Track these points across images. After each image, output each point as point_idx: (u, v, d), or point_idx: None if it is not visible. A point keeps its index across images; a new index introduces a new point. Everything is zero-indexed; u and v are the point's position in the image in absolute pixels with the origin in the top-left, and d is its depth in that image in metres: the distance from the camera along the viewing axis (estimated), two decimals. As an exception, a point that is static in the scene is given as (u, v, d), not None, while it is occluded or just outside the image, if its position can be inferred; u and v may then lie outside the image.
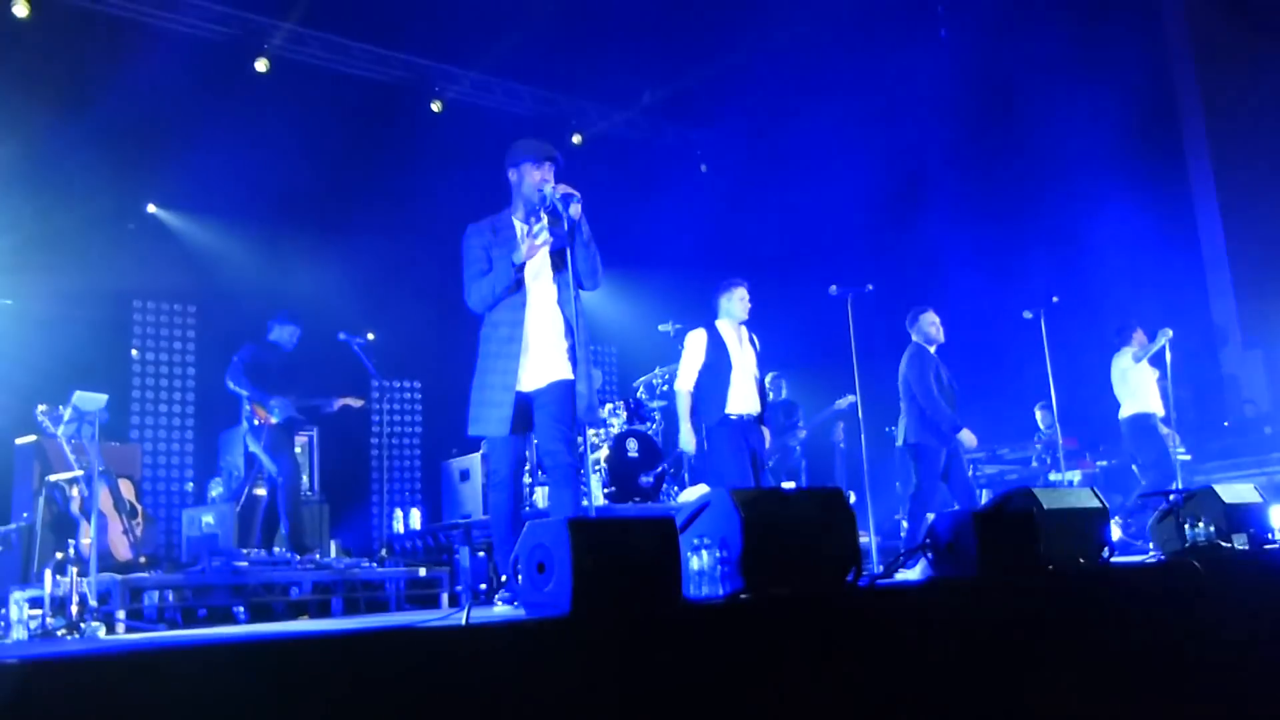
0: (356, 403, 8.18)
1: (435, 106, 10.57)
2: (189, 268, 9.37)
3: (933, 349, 7.27)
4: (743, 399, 6.28)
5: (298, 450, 8.45)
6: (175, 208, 9.58)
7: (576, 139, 11.52)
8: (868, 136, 10.94)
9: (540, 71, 10.99)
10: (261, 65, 9.47)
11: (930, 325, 7.28)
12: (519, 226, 4.47)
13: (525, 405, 4.33)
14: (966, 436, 7.04)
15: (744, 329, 6.49)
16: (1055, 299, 7.38)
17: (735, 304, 6.45)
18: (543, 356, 4.36)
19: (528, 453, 5.86)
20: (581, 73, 10.97)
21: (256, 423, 7.49)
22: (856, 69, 10.60)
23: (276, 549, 7.21)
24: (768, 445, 6.50)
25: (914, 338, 7.30)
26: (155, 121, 8.63)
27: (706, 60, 10.63)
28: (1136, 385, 8.09)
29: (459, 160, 9.43)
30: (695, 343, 6.39)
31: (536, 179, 4.39)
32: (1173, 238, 11.49)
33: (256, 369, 7.55)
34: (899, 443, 7.31)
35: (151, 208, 9.56)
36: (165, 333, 9.68)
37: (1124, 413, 8.21)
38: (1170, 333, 7.90)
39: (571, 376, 4.37)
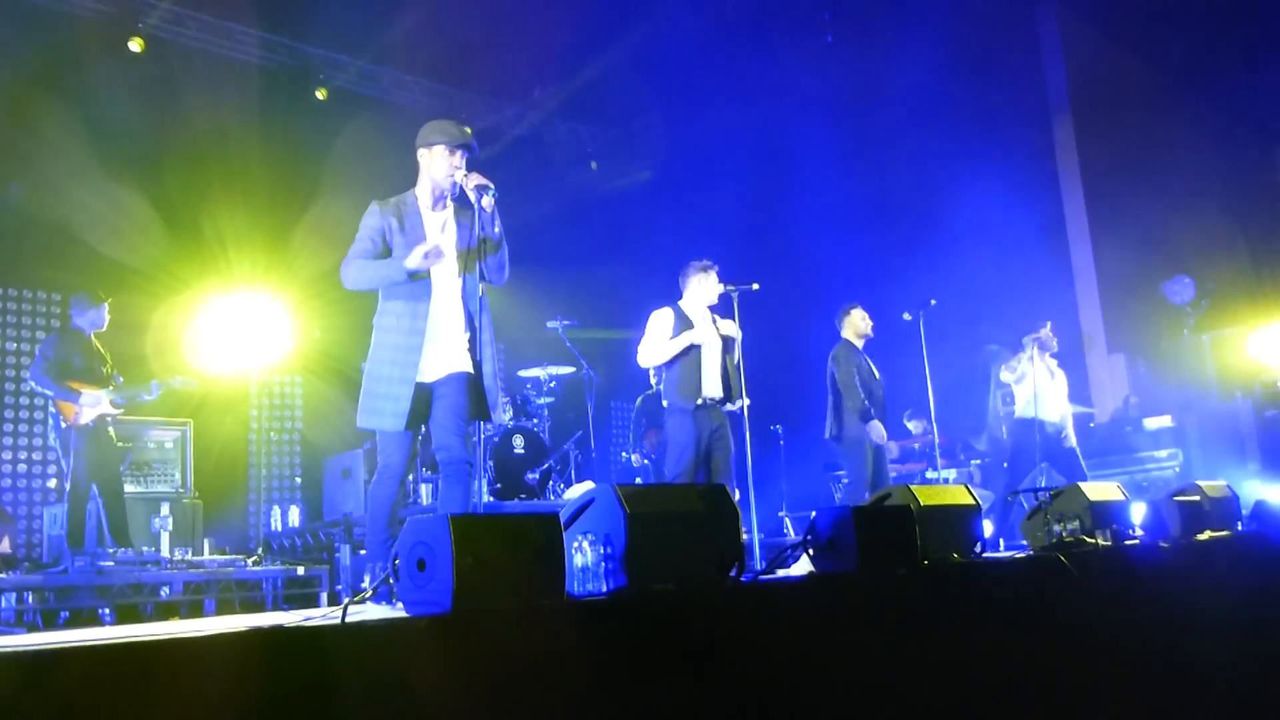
0: (186, 383, 7.46)
1: (320, 94, 10.31)
2: (52, 255, 8.92)
3: (860, 344, 7.44)
4: (710, 383, 6.21)
5: (171, 445, 8.15)
6: (37, 191, 9.12)
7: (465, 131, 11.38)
8: (753, 137, 11.09)
9: (429, 63, 10.83)
10: (136, 45, 9.10)
11: (860, 320, 7.47)
12: (427, 218, 4.33)
13: (423, 397, 4.21)
14: (875, 429, 7.21)
15: (709, 311, 6.42)
16: (933, 302, 7.59)
17: (705, 286, 6.38)
18: (444, 348, 4.25)
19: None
20: (472, 65, 10.85)
21: (64, 424, 6.88)
22: (744, 70, 10.74)
23: (146, 548, 6.93)
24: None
25: (843, 334, 7.49)
26: (20, 100, 8.22)
27: (598, 56, 10.62)
28: (1031, 389, 8.30)
29: (343, 150, 9.23)
30: (662, 321, 6.28)
31: (448, 166, 4.26)
32: (1044, 246, 11.97)
33: (63, 362, 6.95)
34: (826, 435, 7.46)
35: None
36: (27, 321, 9.21)
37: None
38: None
39: (470, 370, 4.27)
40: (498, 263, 4.32)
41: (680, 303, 6.40)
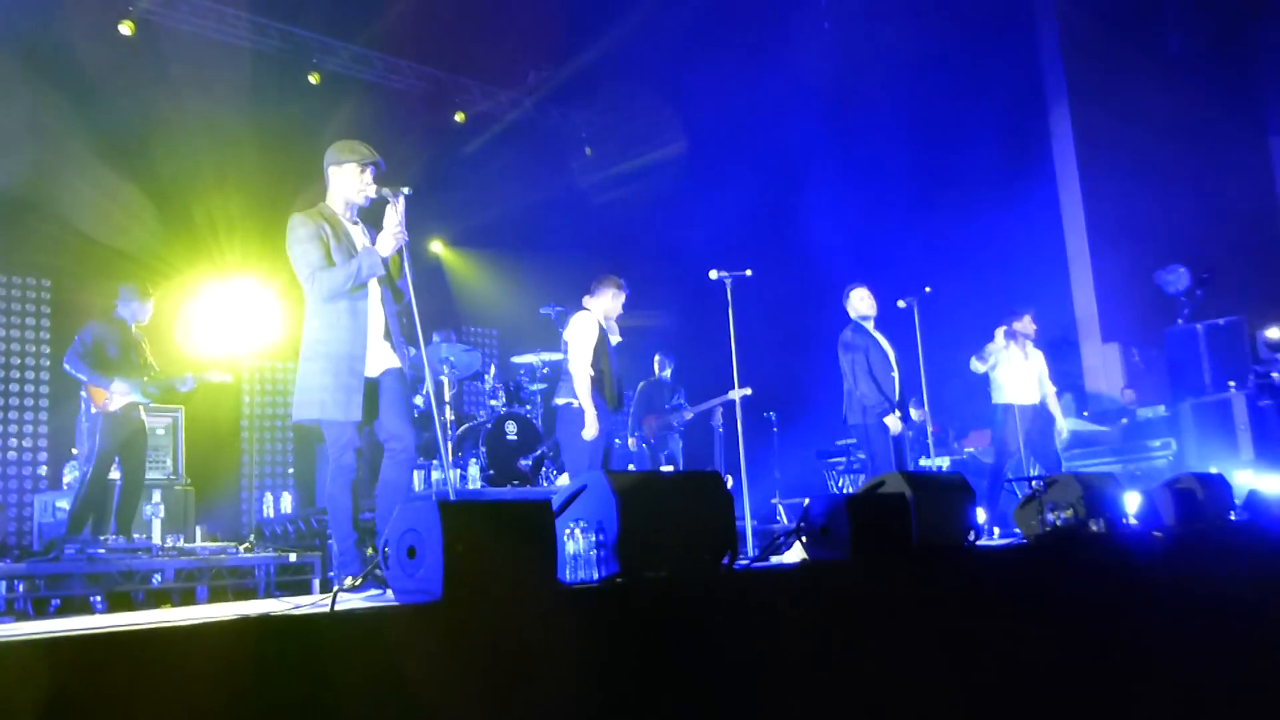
0: (221, 376, 7.52)
1: (313, 78, 10.25)
2: (40, 240, 8.86)
3: (870, 324, 7.42)
4: (617, 389, 6.45)
5: (162, 432, 8.12)
6: (26, 175, 9.05)
7: (459, 117, 11.34)
8: (749, 124, 11.06)
9: (422, 48, 10.77)
10: (126, 28, 9.03)
11: (860, 300, 7.44)
12: (350, 228, 4.59)
13: (369, 392, 4.46)
14: (891, 423, 7.21)
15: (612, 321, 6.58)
16: (928, 289, 7.56)
17: (615, 303, 6.54)
18: (379, 345, 4.54)
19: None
20: (465, 50, 10.79)
21: (94, 410, 6.91)
22: (741, 57, 10.69)
23: (137, 535, 6.91)
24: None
25: (851, 315, 7.46)
26: (9, 83, 8.16)
27: (593, 43, 10.57)
28: (1006, 375, 8.30)
29: (336, 134, 9.15)
30: (588, 325, 6.40)
31: (360, 183, 4.55)
32: (1039, 234, 11.96)
33: (98, 349, 6.98)
34: (845, 419, 7.52)
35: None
36: (16, 308, 9.16)
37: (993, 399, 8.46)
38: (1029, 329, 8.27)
39: (398, 365, 4.57)
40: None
41: (593, 308, 6.53)
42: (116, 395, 6.95)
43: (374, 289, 4.53)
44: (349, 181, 4.57)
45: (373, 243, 4.54)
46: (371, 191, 4.54)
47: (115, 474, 7.09)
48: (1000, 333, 8.16)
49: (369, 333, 4.46)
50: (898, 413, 7.27)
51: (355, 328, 4.42)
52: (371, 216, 4.70)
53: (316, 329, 4.43)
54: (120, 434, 7.01)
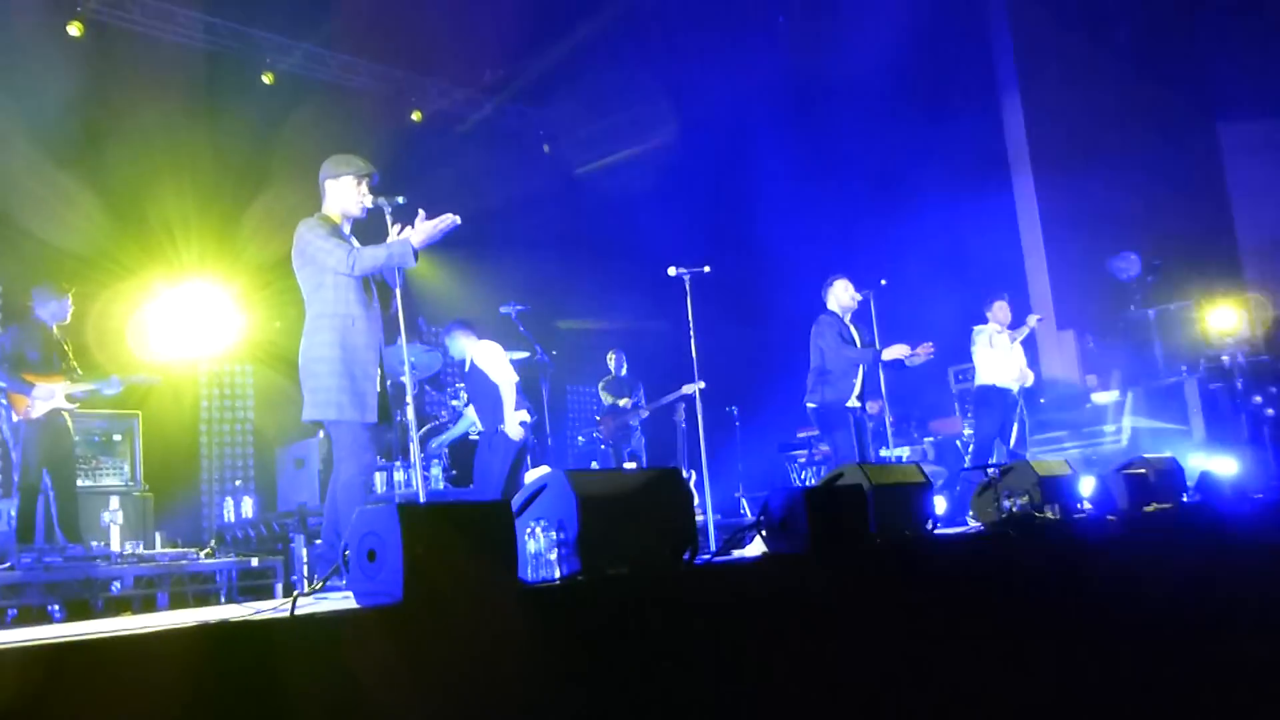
0: (149, 379, 7.33)
1: (267, 79, 10.16)
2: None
3: (847, 317, 7.49)
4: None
5: (120, 438, 8.03)
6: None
7: (416, 116, 11.28)
8: (707, 120, 11.09)
9: (378, 46, 10.69)
10: (75, 29, 8.90)
11: (843, 292, 7.50)
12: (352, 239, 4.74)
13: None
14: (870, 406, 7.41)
15: None
16: (884, 281, 7.64)
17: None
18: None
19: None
20: (421, 49, 10.73)
21: (15, 417, 6.72)
22: (698, 53, 10.73)
23: (96, 542, 6.83)
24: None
25: (828, 305, 7.52)
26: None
27: (549, 40, 10.55)
28: (990, 358, 8.40)
29: (291, 135, 9.11)
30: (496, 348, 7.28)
31: (357, 195, 4.68)
32: (994, 224, 12.10)
33: (18, 354, 6.77)
34: (806, 402, 7.57)
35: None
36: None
37: (976, 381, 8.57)
38: (1038, 317, 8.59)
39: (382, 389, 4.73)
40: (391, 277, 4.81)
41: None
42: (39, 402, 6.76)
43: (377, 308, 4.72)
44: (347, 194, 4.68)
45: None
46: (369, 202, 4.67)
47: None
48: (1002, 309, 8.38)
49: (380, 342, 4.66)
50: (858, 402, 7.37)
51: (370, 332, 4.58)
52: (360, 229, 4.81)
53: (340, 330, 4.54)
54: (45, 441, 6.83)
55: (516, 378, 7.28)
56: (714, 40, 10.70)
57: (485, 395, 7.24)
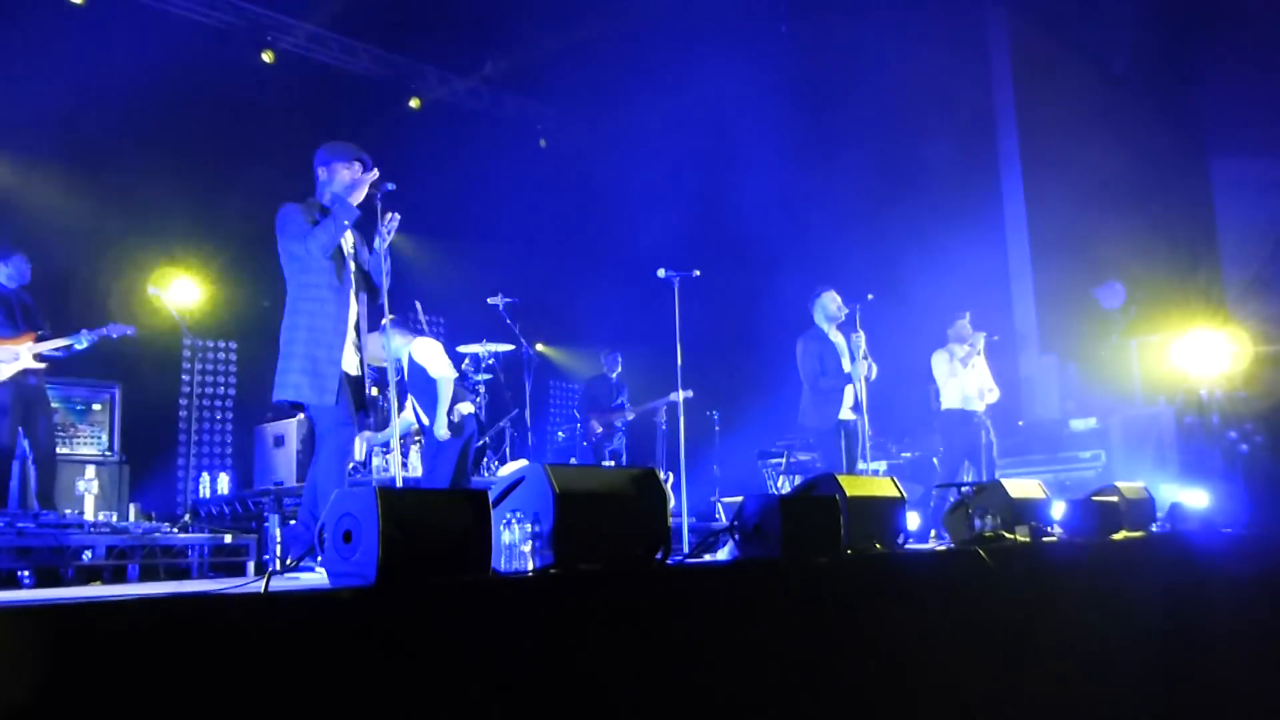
0: (121, 330, 7.16)
1: (267, 57, 10.13)
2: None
3: (833, 329, 7.51)
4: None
5: (99, 407, 7.99)
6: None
7: (414, 103, 11.28)
8: (703, 125, 11.12)
9: (381, 30, 10.69)
10: (75, -5, 8.88)
11: (831, 302, 7.53)
12: None
13: (347, 385, 4.64)
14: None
15: None
16: (870, 296, 7.68)
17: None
18: (350, 347, 4.70)
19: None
20: (423, 35, 10.74)
21: None
22: (696, 57, 10.75)
23: (69, 511, 6.80)
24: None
25: (815, 318, 7.55)
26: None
27: (551, 34, 10.57)
28: (951, 382, 8.46)
29: (287, 114, 9.10)
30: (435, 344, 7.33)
31: (354, 179, 4.70)
32: (983, 246, 12.16)
33: None
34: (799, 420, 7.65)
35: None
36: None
37: (942, 405, 8.62)
38: (983, 336, 8.46)
39: (358, 374, 4.77)
40: (375, 263, 4.86)
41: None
42: (3, 365, 6.73)
43: (352, 294, 4.72)
44: (340, 179, 4.71)
45: (365, 243, 4.81)
46: (362, 193, 4.70)
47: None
48: (964, 326, 8.39)
49: (348, 331, 4.65)
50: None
51: (338, 318, 4.60)
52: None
53: (310, 313, 4.58)
54: (14, 403, 6.79)
55: (455, 374, 7.26)
56: (716, 46, 10.72)
57: (425, 392, 7.24)
